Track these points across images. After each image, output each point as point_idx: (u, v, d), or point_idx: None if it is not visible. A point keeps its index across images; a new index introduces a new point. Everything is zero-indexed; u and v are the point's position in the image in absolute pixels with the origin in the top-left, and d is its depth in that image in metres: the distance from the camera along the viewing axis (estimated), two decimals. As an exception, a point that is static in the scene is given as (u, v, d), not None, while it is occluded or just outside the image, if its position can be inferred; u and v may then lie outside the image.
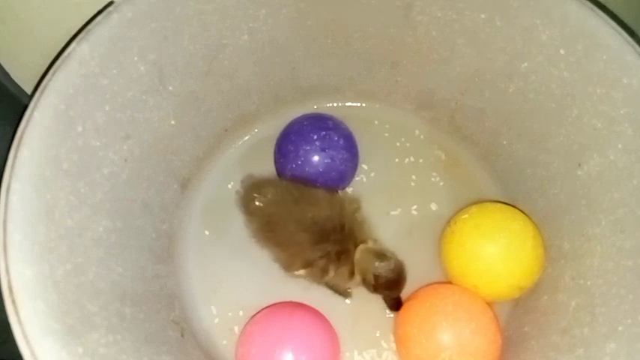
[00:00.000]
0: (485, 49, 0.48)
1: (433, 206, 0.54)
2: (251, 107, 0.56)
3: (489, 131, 0.54)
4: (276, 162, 0.54)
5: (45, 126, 0.36)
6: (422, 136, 0.58)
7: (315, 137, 0.51)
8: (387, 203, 0.54)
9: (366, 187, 0.55)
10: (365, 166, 0.56)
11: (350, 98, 0.59)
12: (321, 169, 0.51)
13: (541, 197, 0.49)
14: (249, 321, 0.47)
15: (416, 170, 0.56)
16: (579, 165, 0.44)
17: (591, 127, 0.43)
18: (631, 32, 0.40)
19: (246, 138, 0.58)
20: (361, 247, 0.45)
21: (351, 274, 0.46)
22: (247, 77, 0.53)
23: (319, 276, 0.46)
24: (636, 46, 0.40)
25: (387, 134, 0.58)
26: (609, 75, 0.40)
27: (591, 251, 0.42)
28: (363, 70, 0.56)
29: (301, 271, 0.46)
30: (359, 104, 0.59)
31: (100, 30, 0.40)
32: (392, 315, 0.49)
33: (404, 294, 0.48)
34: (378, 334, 0.49)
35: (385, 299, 0.47)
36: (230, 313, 0.50)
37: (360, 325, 0.49)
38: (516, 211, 0.49)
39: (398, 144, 0.58)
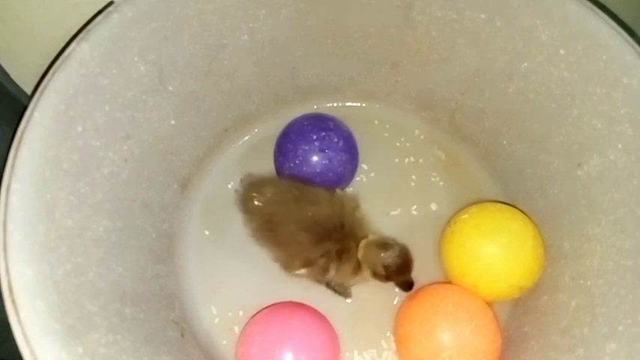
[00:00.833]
0: (485, 49, 0.48)
1: (433, 206, 0.54)
2: (251, 107, 0.56)
3: (489, 131, 0.54)
4: (275, 160, 0.54)
5: (45, 126, 0.36)
6: (422, 136, 0.58)
7: (315, 137, 0.51)
8: (387, 203, 0.54)
9: (366, 187, 0.55)
10: (365, 166, 0.56)
11: (350, 98, 0.59)
12: (318, 170, 0.51)
13: (541, 197, 0.49)
14: (249, 321, 0.47)
15: (416, 170, 0.56)
16: (579, 165, 0.44)
17: (591, 127, 0.43)
18: (631, 32, 0.40)
19: (246, 138, 0.58)
20: (362, 243, 0.45)
21: (355, 271, 0.46)
22: (247, 77, 0.53)
23: (320, 275, 0.46)
24: (636, 46, 0.40)
25: (387, 134, 0.58)
26: (609, 75, 0.40)
27: (591, 251, 0.42)
28: (363, 70, 0.56)
29: (302, 271, 0.46)
30: (359, 104, 0.59)
31: (100, 30, 0.40)
32: (392, 315, 0.49)
33: (404, 293, 0.48)
34: (378, 334, 0.49)
35: (398, 284, 0.47)
36: (230, 313, 0.50)
37: (360, 325, 0.49)
38: (516, 211, 0.49)
39: (398, 144, 0.58)
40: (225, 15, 0.46)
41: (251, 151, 0.57)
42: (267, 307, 0.48)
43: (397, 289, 0.48)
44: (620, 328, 0.37)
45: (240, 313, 0.50)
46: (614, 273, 0.40)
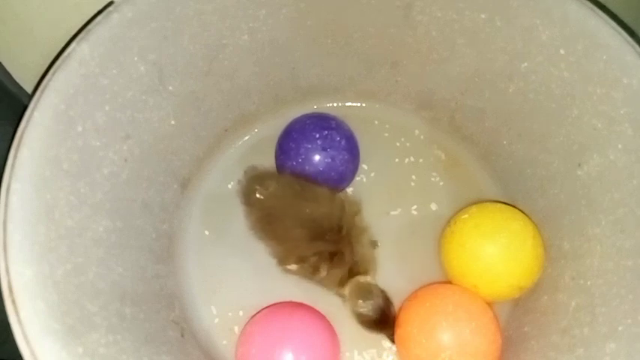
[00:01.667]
0: (485, 49, 0.48)
1: (433, 206, 0.54)
2: (251, 107, 0.56)
3: (489, 131, 0.54)
4: (276, 158, 0.54)
5: (45, 126, 0.36)
6: (422, 136, 0.58)
7: (317, 136, 0.51)
8: (387, 203, 0.54)
9: (366, 187, 0.55)
10: (365, 166, 0.56)
11: (350, 98, 0.59)
12: (320, 169, 0.51)
13: (541, 197, 0.49)
14: (249, 321, 0.47)
15: (416, 170, 0.56)
16: (579, 165, 0.44)
17: (591, 127, 0.43)
18: (631, 32, 0.40)
19: (246, 138, 0.58)
20: (352, 281, 0.45)
21: (342, 282, 0.46)
22: (247, 77, 0.53)
23: (310, 273, 0.46)
24: (636, 46, 0.40)
25: (387, 134, 0.58)
26: (609, 75, 0.40)
27: (591, 251, 0.42)
28: (363, 70, 0.56)
29: (293, 266, 0.46)
30: (359, 104, 0.59)
31: (100, 30, 0.40)
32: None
33: (404, 293, 0.48)
34: (378, 335, 0.49)
35: (381, 333, 0.47)
36: (230, 313, 0.50)
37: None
38: (516, 211, 0.49)
39: (398, 144, 0.58)
40: (225, 15, 0.46)
41: (251, 151, 0.57)
42: (267, 307, 0.48)
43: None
44: (620, 328, 0.37)
45: (240, 313, 0.50)
46: (614, 273, 0.40)
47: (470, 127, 0.55)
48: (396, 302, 0.49)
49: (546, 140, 0.47)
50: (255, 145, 0.57)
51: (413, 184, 0.56)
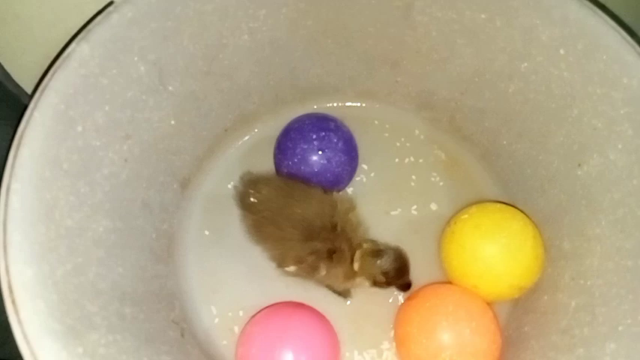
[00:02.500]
0: (485, 49, 0.48)
1: (433, 206, 0.54)
2: (251, 107, 0.56)
3: (489, 131, 0.54)
4: (275, 157, 0.54)
5: (45, 126, 0.36)
6: (422, 136, 0.58)
7: (314, 137, 0.51)
8: (387, 203, 0.54)
9: (366, 187, 0.55)
10: (365, 166, 0.56)
11: (350, 98, 0.59)
12: (316, 169, 0.51)
13: (541, 197, 0.49)
14: (249, 321, 0.47)
15: (416, 170, 0.56)
16: (579, 165, 0.44)
17: (591, 127, 0.43)
18: (631, 32, 0.40)
19: (246, 138, 0.58)
20: (357, 254, 0.45)
21: (347, 276, 0.46)
22: (247, 77, 0.53)
23: (310, 273, 0.46)
24: (636, 46, 0.40)
25: (387, 134, 0.58)
26: (609, 75, 0.40)
27: (591, 251, 0.42)
28: (363, 70, 0.56)
29: (292, 268, 0.46)
30: (359, 104, 0.59)
31: (100, 30, 0.40)
32: (392, 315, 0.49)
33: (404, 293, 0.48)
34: (378, 335, 0.49)
35: (398, 287, 0.47)
36: (230, 313, 0.50)
37: (360, 325, 0.49)
38: (516, 211, 0.49)
39: (398, 144, 0.58)
40: (225, 15, 0.46)
41: (251, 151, 0.57)
42: (267, 307, 0.48)
43: (396, 292, 0.49)
44: (620, 328, 0.37)
45: (240, 313, 0.50)
46: (614, 273, 0.40)
47: (470, 127, 0.55)
48: (396, 302, 0.49)
49: (546, 140, 0.47)
50: (255, 145, 0.57)
51: (413, 184, 0.56)
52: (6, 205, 0.34)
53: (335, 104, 0.59)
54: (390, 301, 0.50)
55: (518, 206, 0.50)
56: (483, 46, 0.48)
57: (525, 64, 0.46)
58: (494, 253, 0.45)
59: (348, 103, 0.59)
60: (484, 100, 0.52)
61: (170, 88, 0.47)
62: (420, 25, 0.49)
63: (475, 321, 0.44)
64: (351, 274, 0.46)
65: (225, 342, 0.49)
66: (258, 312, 0.48)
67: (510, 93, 0.49)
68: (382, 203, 0.54)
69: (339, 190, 0.54)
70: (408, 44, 0.52)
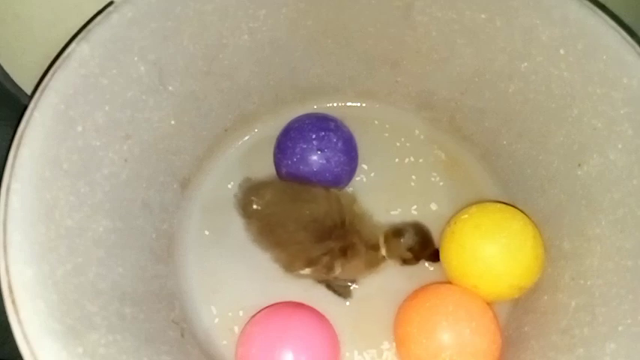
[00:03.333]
0: (485, 49, 0.48)
1: (433, 206, 0.54)
2: (251, 107, 0.56)
3: (489, 131, 0.54)
4: (274, 157, 0.54)
5: (45, 126, 0.36)
6: (422, 136, 0.58)
7: (314, 137, 0.51)
8: (387, 203, 0.54)
9: (366, 187, 0.55)
10: (365, 166, 0.56)
11: (350, 98, 0.59)
12: (315, 169, 0.51)
13: (541, 197, 0.49)
14: (249, 321, 0.47)
15: (416, 170, 0.56)
16: (579, 165, 0.44)
17: (591, 127, 0.43)
18: (631, 32, 0.40)
19: (246, 138, 0.58)
20: (380, 240, 0.46)
21: (370, 265, 0.47)
22: (247, 77, 0.53)
23: (325, 273, 0.46)
24: (636, 46, 0.40)
25: (387, 134, 0.58)
26: (609, 75, 0.40)
27: (591, 251, 0.42)
28: (363, 70, 0.56)
29: (306, 270, 0.46)
30: (359, 104, 0.59)
31: (100, 30, 0.40)
32: (392, 315, 0.49)
33: (404, 293, 0.48)
34: (378, 335, 0.49)
35: (427, 259, 0.48)
36: (230, 313, 0.50)
37: (360, 325, 0.49)
38: (516, 211, 0.49)
39: (398, 144, 0.58)
40: (225, 15, 0.46)
41: (251, 151, 0.57)
42: (267, 307, 0.48)
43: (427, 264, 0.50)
44: (620, 328, 0.37)
45: (240, 313, 0.50)
46: (614, 273, 0.40)
47: (470, 127, 0.55)
48: (396, 302, 0.49)
49: (546, 140, 0.47)
50: (255, 145, 0.57)
51: (413, 184, 0.56)
52: (6, 205, 0.34)
53: (335, 104, 0.59)
54: (390, 301, 0.50)
55: (518, 206, 0.50)
56: (483, 46, 0.48)
57: (525, 64, 0.46)
58: (494, 253, 0.45)
59: (348, 103, 0.59)
60: (484, 100, 0.52)
61: (170, 88, 0.47)
62: (420, 25, 0.49)
63: (475, 321, 0.44)
64: (375, 262, 0.47)
65: (225, 342, 0.49)
66: (258, 312, 0.48)
67: (510, 93, 0.49)
68: (382, 203, 0.54)
69: (338, 190, 0.54)
70: (408, 44, 0.52)
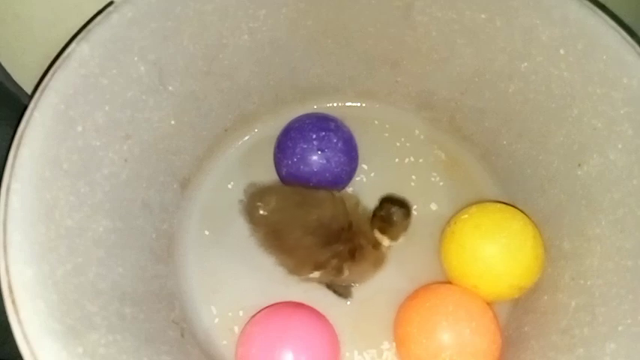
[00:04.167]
0: (485, 49, 0.48)
1: (433, 206, 0.54)
2: (251, 107, 0.56)
3: (489, 131, 0.54)
4: (274, 157, 0.54)
5: (45, 126, 0.36)
6: (422, 136, 0.58)
7: (314, 137, 0.51)
8: (387, 203, 0.54)
9: (366, 187, 0.55)
10: (365, 166, 0.56)
11: (350, 98, 0.59)
12: (315, 169, 0.51)
13: (541, 197, 0.49)
14: (249, 321, 0.47)
15: (416, 170, 0.56)
16: (579, 165, 0.44)
17: (591, 127, 0.43)
18: (631, 32, 0.40)
19: (246, 138, 0.58)
20: (377, 235, 0.46)
21: (376, 263, 0.46)
22: (247, 77, 0.53)
23: (334, 276, 0.46)
24: (636, 46, 0.40)
25: (387, 134, 0.58)
26: (609, 75, 0.40)
27: (591, 251, 0.42)
28: (363, 70, 0.56)
29: (316, 274, 0.46)
30: (359, 104, 0.59)
31: (100, 30, 0.40)
32: (392, 315, 0.49)
33: (404, 293, 0.48)
34: (378, 335, 0.49)
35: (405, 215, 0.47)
36: (230, 313, 0.50)
37: (360, 325, 0.49)
38: (516, 211, 0.49)
39: (398, 144, 0.58)
40: (225, 15, 0.46)
41: (251, 151, 0.57)
42: (267, 307, 0.48)
43: None
44: (620, 328, 0.37)
45: (240, 313, 0.50)
46: (614, 273, 0.40)
47: (470, 127, 0.55)
48: (396, 302, 0.49)
49: (546, 140, 0.47)
50: (255, 145, 0.57)
51: (413, 184, 0.56)
52: (6, 205, 0.34)
53: (335, 104, 0.59)
54: (390, 301, 0.50)
55: (518, 206, 0.50)
56: (483, 46, 0.48)
57: (525, 64, 0.46)
58: (494, 253, 0.45)
59: (348, 103, 0.59)
60: (484, 100, 0.52)
61: (170, 88, 0.47)
62: (420, 25, 0.49)
63: (475, 321, 0.44)
64: (381, 260, 0.46)
65: (225, 342, 0.49)
66: (258, 312, 0.48)
67: (510, 93, 0.49)
68: (382, 203, 0.54)
69: (338, 191, 0.54)
70: (408, 44, 0.52)
